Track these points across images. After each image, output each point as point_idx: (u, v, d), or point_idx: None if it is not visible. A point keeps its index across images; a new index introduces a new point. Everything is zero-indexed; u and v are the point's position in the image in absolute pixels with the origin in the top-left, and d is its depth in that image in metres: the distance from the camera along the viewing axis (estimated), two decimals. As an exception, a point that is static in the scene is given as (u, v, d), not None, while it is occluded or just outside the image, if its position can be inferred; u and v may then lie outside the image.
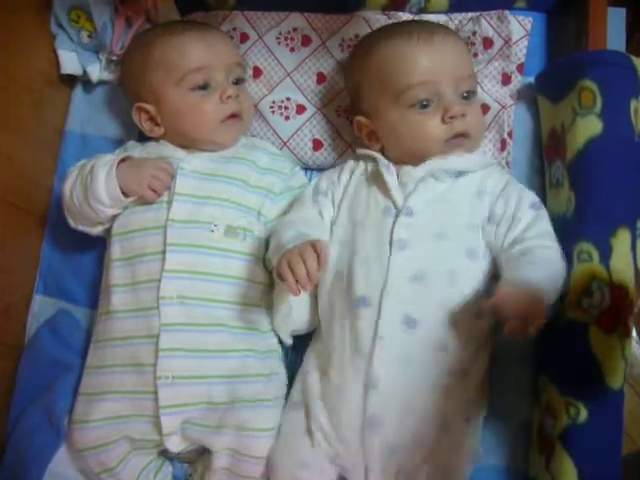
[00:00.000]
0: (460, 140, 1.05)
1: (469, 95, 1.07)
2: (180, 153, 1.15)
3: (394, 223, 1.02)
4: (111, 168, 1.07)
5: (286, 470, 1.02)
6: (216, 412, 1.05)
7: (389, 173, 1.07)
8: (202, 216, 1.08)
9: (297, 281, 0.93)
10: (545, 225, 1.02)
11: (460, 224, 1.03)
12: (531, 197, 1.05)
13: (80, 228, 1.15)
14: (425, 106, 1.04)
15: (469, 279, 1.00)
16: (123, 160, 1.10)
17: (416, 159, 1.06)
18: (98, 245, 1.20)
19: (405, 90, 1.04)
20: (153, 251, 1.07)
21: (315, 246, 0.95)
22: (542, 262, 0.96)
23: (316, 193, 1.13)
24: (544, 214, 1.04)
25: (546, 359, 1.06)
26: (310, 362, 1.08)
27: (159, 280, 1.04)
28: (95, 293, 1.19)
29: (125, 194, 1.08)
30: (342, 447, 1.01)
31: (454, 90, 1.04)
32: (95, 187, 1.07)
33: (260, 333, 1.10)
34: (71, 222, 1.15)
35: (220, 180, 1.11)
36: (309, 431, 1.04)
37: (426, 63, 1.04)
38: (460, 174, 1.06)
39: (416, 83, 1.03)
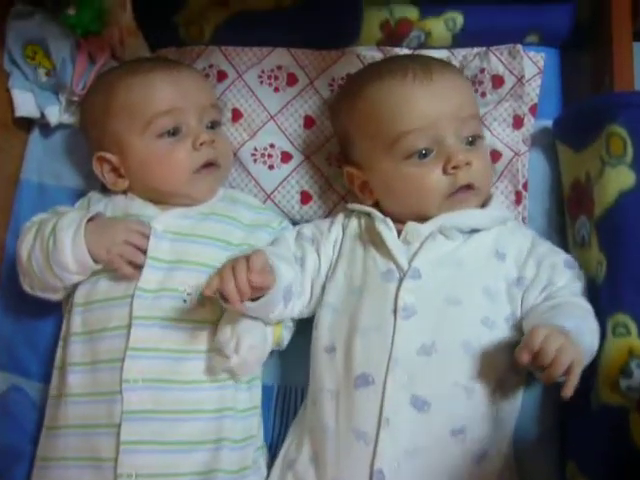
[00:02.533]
0: (465, 194, 0.96)
1: (474, 139, 0.97)
2: (151, 210, 1.04)
3: (398, 288, 0.92)
4: (78, 230, 0.96)
5: None
6: None
7: (387, 229, 0.96)
8: (173, 284, 0.97)
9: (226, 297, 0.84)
10: (580, 287, 0.94)
11: (475, 288, 0.93)
12: (564, 255, 0.97)
13: (39, 294, 1.04)
14: (424, 156, 0.94)
15: (487, 351, 0.90)
16: (90, 219, 0.99)
17: (416, 218, 0.97)
18: (55, 311, 1.09)
19: (400, 139, 0.94)
20: (117, 325, 0.96)
21: (249, 259, 0.85)
22: (577, 315, 0.88)
23: (299, 238, 1.03)
24: (581, 275, 0.95)
25: (576, 446, 0.94)
26: (298, 447, 0.96)
27: (122, 360, 0.93)
28: (52, 366, 1.06)
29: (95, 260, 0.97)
30: None
31: (456, 135, 0.95)
32: (60, 253, 0.96)
33: (235, 413, 0.97)
34: (28, 288, 1.04)
35: (197, 241, 1.01)
36: None
37: (423, 106, 0.94)
38: (474, 231, 0.96)
39: (412, 130, 0.94)
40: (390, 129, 0.94)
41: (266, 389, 1.05)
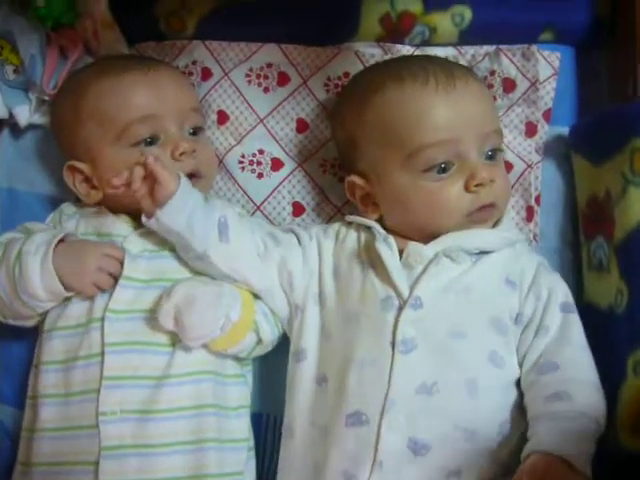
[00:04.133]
0: (486, 212, 0.90)
1: (494, 154, 0.91)
2: (124, 228, 0.97)
3: (397, 318, 0.85)
4: (46, 257, 0.91)
5: None
6: None
7: (388, 250, 0.89)
8: (145, 304, 0.92)
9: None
10: (576, 338, 0.87)
11: (482, 319, 0.87)
12: (563, 294, 0.91)
13: (11, 322, 0.98)
14: (444, 170, 0.88)
15: (493, 391, 0.85)
16: (59, 240, 0.93)
17: (425, 234, 0.90)
18: (31, 331, 1.03)
19: (419, 151, 0.88)
20: (89, 353, 0.91)
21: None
22: (579, 416, 0.81)
23: (273, 236, 0.96)
24: (574, 320, 0.89)
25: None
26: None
27: (98, 390, 0.89)
28: (26, 390, 1.01)
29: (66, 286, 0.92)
30: None
31: (478, 149, 0.89)
32: (27, 281, 0.91)
33: (220, 445, 0.91)
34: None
35: (173, 257, 0.95)
36: None
37: (446, 116, 0.88)
38: (483, 253, 0.89)
39: (434, 143, 0.87)
40: (409, 140, 0.88)
41: (255, 417, 0.99)
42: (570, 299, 0.90)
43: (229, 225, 0.90)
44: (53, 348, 0.93)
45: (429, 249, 0.88)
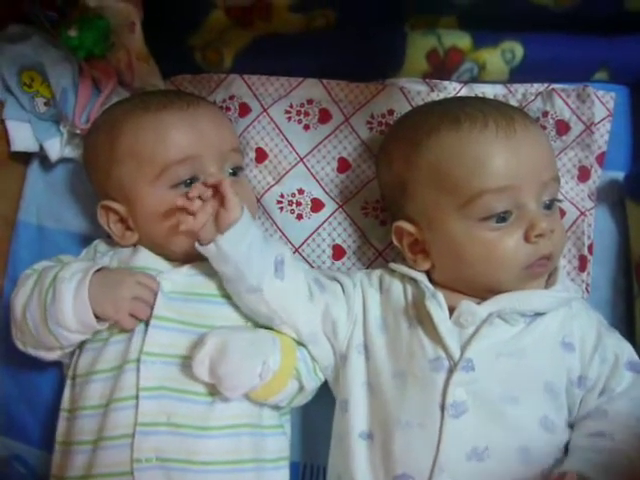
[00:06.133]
0: (543, 267, 0.86)
1: (551, 203, 0.87)
2: (161, 264, 0.95)
3: (447, 380, 0.82)
4: (81, 285, 0.88)
5: None
6: None
7: (438, 307, 0.85)
8: (181, 348, 0.89)
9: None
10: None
11: (536, 384, 0.84)
12: (628, 353, 0.87)
13: (31, 352, 0.95)
14: (502, 219, 0.84)
15: (545, 456, 0.81)
16: (95, 271, 0.91)
17: (478, 288, 0.87)
18: (59, 368, 1.02)
19: (478, 198, 0.83)
20: (123, 396, 0.87)
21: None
22: (616, 452, 0.79)
23: (319, 282, 0.94)
24: None
25: None
26: None
27: (132, 436, 0.85)
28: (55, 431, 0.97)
29: (99, 317, 0.89)
30: None
31: (537, 198, 0.85)
32: (59, 309, 0.88)
33: None
34: (20, 344, 0.95)
35: (208, 300, 0.93)
36: None
37: (507, 162, 0.84)
38: (537, 314, 0.86)
39: (493, 190, 0.83)
40: (466, 186, 0.84)
41: (292, 467, 0.95)
42: (636, 357, 0.87)
43: (285, 263, 0.88)
44: (89, 393, 0.90)
45: (483, 309, 0.84)
